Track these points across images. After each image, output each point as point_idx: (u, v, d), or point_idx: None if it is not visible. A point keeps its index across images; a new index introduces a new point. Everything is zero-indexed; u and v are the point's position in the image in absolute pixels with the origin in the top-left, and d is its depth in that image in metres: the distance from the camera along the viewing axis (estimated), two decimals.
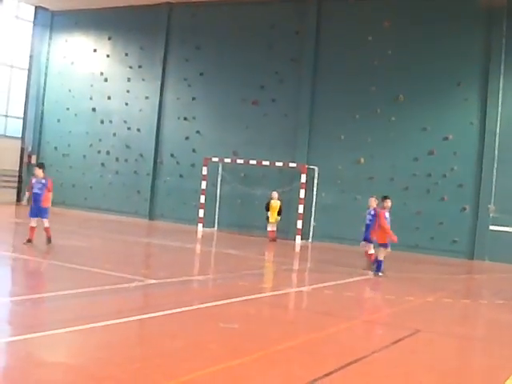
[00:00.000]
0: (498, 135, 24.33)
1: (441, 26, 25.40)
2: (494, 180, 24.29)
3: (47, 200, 17.88)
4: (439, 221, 24.58)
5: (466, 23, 25.07)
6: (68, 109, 34.48)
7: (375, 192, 25.82)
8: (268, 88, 28.79)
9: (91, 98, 33.71)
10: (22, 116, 35.73)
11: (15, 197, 34.83)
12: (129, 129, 32.55)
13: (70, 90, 34.54)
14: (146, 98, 32.12)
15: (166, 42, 31.75)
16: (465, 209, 24.72)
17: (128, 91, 32.69)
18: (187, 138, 30.79)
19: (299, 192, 26.53)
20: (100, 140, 33.27)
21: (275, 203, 25.83)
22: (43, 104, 35.62)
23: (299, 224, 26.40)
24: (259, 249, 23.59)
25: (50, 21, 35.55)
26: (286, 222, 26.57)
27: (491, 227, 23.93)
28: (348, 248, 23.85)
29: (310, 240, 26.90)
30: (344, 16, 27.42)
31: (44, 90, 35.61)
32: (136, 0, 31.73)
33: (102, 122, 33.30)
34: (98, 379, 6.87)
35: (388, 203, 17.32)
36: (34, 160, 35.24)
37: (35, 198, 17.75)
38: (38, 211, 17.73)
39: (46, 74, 35.67)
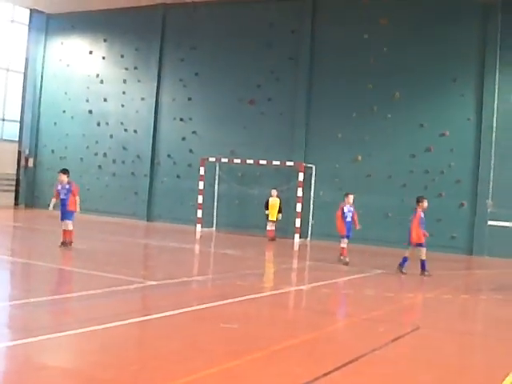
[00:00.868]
0: (494, 130, 24.36)
1: (436, 22, 25.43)
2: (491, 175, 24.33)
3: (72, 204, 18.21)
4: (437, 217, 24.56)
5: (461, 19, 25.09)
6: (64, 111, 34.47)
7: (373, 189, 26.07)
8: (264, 87, 28.78)
9: (87, 100, 33.69)
10: (19, 119, 35.74)
11: (13, 200, 34.83)
12: (125, 130, 32.54)
13: (66, 93, 34.52)
14: (142, 99, 32.12)
15: (162, 43, 31.76)
16: (463, 205, 24.75)
17: (124, 93, 32.69)
18: (184, 139, 30.78)
19: (297, 191, 26.55)
20: (97, 142, 33.26)
21: (274, 201, 25.83)
22: (39, 107, 35.60)
23: (298, 223, 26.41)
24: (258, 248, 23.58)
25: (45, 24, 35.52)
26: (284, 221, 26.57)
27: (489, 222, 23.94)
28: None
29: (308, 238, 26.91)
30: (340, 14, 27.41)
31: (40, 92, 35.61)
32: (131, 2, 31.72)
33: (98, 124, 33.29)
34: (97, 382, 6.86)
35: (425, 203, 17.75)
36: (30, 163, 35.27)
37: (62, 203, 18.22)
38: (63, 214, 18.17)
39: (41, 77, 35.65)
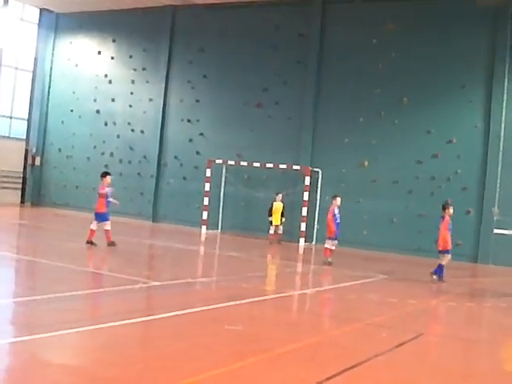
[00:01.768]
0: (502, 138, 24.30)
1: (445, 28, 25.40)
2: (498, 183, 24.27)
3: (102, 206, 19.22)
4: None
5: (471, 26, 25.05)
6: (72, 110, 34.56)
7: (379, 194, 26.05)
8: (272, 90, 28.80)
9: (95, 100, 33.77)
10: (27, 117, 35.83)
11: (19, 198, 34.91)
12: (132, 131, 32.59)
13: (74, 92, 34.61)
14: (150, 100, 32.17)
15: (170, 44, 31.81)
16: (469, 212, 24.69)
17: (132, 93, 32.75)
18: (191, 140, 30.81)
19: (303, 195, 26.55)
20: (104, 142, 33.33)
21: (278, 205, 25.82)
22: (47, 106, 35.69)
23: (303, 226, 26.40)
24: (263, 251, 23.58)
25: (54, 23, 35.64)
26: (289, 225, 26.58)
27: (495, 230, 23.84)
28: (351, 251, 23.83)
29: (313, 242, 26.89)
30: (348, 19, 27.41)
31: (48, 91, 35.70)
32: (140, 3, 31.79)
33: (105, 123, 33.37)
34: (101, 380, 6.87)
35: (451, 210, 17.79)
36: (37, 161, 35.34)
37: (107, 204, 19.20)
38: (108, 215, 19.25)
39: (50, 76, 35.75)
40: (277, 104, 28.68)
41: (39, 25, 35.68)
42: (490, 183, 24.37)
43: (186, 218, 29.97)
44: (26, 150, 35.42)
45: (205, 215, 28.23)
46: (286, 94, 28.49)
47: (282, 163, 27.23)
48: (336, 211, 19.46)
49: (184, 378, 7.14)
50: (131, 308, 10.97)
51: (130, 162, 32.49)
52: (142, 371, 7.27)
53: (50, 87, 35.72)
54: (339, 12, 27.68)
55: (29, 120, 35.80)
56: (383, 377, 7.97)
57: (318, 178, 27.16)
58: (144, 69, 32.59)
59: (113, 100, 33.24)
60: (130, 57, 33.04)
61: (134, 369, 7.36)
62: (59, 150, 34.96)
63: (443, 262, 17.51)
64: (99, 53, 34.09)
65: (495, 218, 23.96)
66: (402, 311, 12.89)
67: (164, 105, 31.76)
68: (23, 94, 35.60)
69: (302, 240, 26.27)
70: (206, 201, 28.30)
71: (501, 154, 24.29)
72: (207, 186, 28.39)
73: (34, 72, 35.84)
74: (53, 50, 35.78)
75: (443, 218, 17.72)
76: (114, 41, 33.66)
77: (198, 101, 30.83)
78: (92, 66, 34.28)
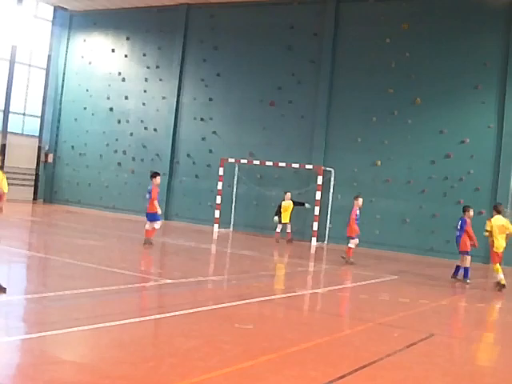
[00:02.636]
0: None
1: (459, 28, 25.31)
2: (510, 184, 24.16)
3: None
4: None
5: (485, 26, 24.94)
6: (85, 108, 34.65)
7: (392, 194, 25.99)
8: (285, 89, 28.78)
9: (108, 98, 33.85)
10: (40, 115, 36.01)
11: (32, 195, 35.05)
12: (145, 129, 32.64)
13: (87, 90, 34.70)
14: (163, 98, 32.21)
15: (184, 42, 31.82)
16: (481, 213, 24.55)
17: (145, 91, 32.80)
18: (204, 139, 30.83)
19: (315, 194, 26.51)
20: (116, 139, 33.40)
21: (288, 203, 25.73)
22: (61, 103, 35.79)
23: (315, 226, 26.36)
24: (274, 250, 23.58)
25: (68, 21, 35.73)
26: (301, 224, 26.57)
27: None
28: (363, 250, 23.77)
29: (325, 242, 26.85)
30: (362, 18, 27.36)
31: (62, 89, 35.80)
32: (154, 0, 31.85)
33: (118, 121, 33.43)
34: (111, 378, 6.87)
35: (471, 212, 18.46)
36: (50, 158, 35.47)
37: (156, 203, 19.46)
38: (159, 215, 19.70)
39: (63, 74, 35.85)
40: (290, 103, 28.65)
41: (53, 22, 35.83)
42: (503, 184, 24.26)
43: (198, 216, 30.02)
44: (39, 147, 35.58)
45: (217, 214, 28.24)
46: (299, 92, 28.46)
47: (294, 162, 27.21)
48: (358, 212, 20.12)
49: (195, 376, 7.14)
50: (142, 306, 11.00)
51: (142, 159, 32.55)
52: (153, 369, 7.28)
53: (63, 85, 35.82)
54: (353, 11, 27.63)
55: (42, 117, 35.98)
56: (395, 376, 7.95)
57: (330, 178, 27.11)
58: (157, 67, 32.63)
59: (126, 98, 33.30)
60: (144, 55, 33.09)
61: (145, 366, 7.37)
62: (72, 147, 35.06)
63: (467, 264, 17.62)
64: (113, 50, 34.16)
65: (508, 219, 23.82)
66: (413, 311, 12.84)
67: (177, 103, 31.78)
68: (37, 92, 35.77)
69: (314, 239, 26.22)
70: (218, 199, 28.31)
71: None
72: (220, 185, 28.40)
73: (47, 69, 36.01)
74: (66, 47, 35.87)
75: (465, 220, 17.77)
76: (127, 39, 33.72)
77: (211, 99, 30.84)
78: (105, 63, 34.36)
